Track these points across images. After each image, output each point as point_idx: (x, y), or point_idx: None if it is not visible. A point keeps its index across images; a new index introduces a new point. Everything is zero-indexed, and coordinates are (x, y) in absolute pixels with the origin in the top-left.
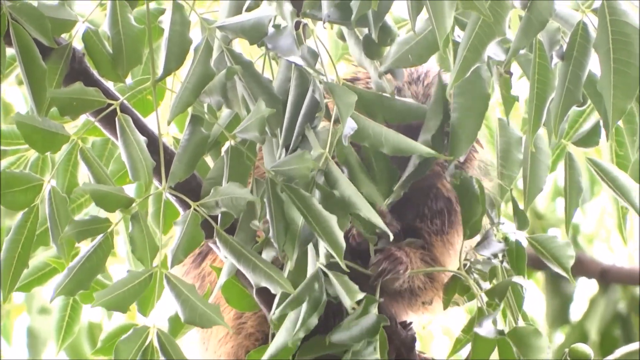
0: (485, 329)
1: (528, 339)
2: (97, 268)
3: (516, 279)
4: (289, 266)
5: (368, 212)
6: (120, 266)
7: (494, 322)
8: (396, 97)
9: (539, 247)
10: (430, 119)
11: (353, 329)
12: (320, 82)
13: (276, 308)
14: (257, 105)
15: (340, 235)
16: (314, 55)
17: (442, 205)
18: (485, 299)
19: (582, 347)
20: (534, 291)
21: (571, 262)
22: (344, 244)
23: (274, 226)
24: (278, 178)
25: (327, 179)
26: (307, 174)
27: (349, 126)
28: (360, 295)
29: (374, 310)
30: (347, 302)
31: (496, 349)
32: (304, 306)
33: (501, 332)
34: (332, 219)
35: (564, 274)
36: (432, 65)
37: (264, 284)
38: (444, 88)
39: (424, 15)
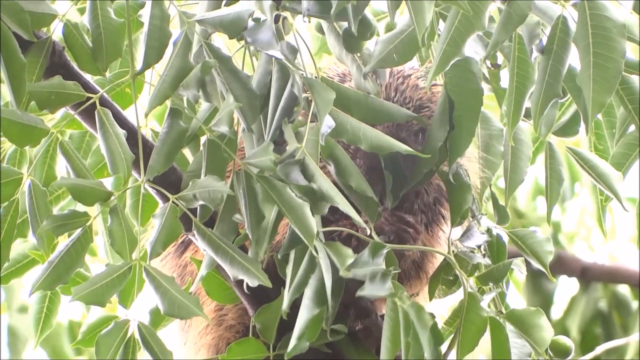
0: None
1: (531, 319)
2: (76, 262)
3: (516, 262)
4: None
5: (345, 206)
6: (99, 265)
7: (494, 302)
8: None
9: (518, 241)
10: (437, 129)
11: (364, 269)
12: (300, 77)
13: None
14: (226, 99)
15: (312, 221)
16: (293, 50)
17: (433, 199)
18: (473, 286)
19: (562, 339)
20: (512, 291)
21: (550, 258)
22: (315, 229)
23: (248, 219)
24: (254, 170)
25: (304, 174)
26: (271, 166)
27: (327, 124)
28: (352, 259)
29: (382, 258)
30: (339, 266)
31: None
32: (312, 282)
33: (499, 312)
34: (304, 206)
35: (542, 269)
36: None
37: (241, 276)
38: (449, 99)
39: (408, 13)
